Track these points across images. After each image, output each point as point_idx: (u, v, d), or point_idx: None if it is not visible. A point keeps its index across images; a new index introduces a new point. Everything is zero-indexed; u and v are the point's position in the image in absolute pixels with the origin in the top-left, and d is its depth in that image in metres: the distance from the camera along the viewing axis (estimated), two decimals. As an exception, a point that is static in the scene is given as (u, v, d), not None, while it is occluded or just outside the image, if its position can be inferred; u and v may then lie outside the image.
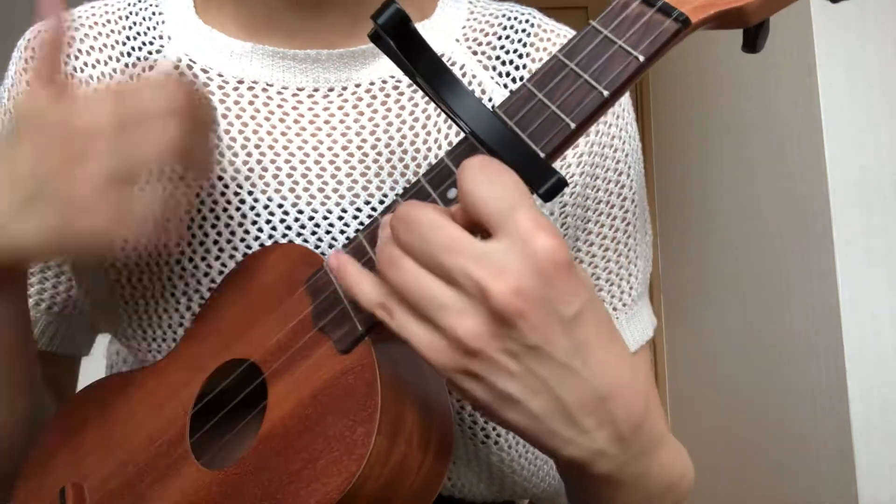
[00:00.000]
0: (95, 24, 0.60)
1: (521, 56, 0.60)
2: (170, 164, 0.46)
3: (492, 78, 0.59)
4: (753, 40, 0.41)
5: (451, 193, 0.41)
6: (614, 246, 0.62)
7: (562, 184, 0.38)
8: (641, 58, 0.38)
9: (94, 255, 0.57)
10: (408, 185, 0.56)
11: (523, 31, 0.61)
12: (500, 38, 0.61)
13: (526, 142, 0.40)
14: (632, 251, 0.63)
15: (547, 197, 0.38)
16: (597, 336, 0.37)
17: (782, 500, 1.44)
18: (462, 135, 0.57)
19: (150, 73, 0.47)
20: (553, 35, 0.61)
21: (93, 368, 0.67)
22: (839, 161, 1.27)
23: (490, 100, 0.59)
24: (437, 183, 0.42)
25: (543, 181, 0.38)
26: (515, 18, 0.62)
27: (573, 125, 0.39)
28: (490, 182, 0.37)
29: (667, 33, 0.38)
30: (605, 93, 0.39)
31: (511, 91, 0.59)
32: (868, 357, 1.22)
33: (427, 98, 0.58)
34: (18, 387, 0.56)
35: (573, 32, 0.63)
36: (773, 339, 1.48)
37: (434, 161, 0.56)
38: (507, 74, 0.59)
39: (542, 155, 0.39)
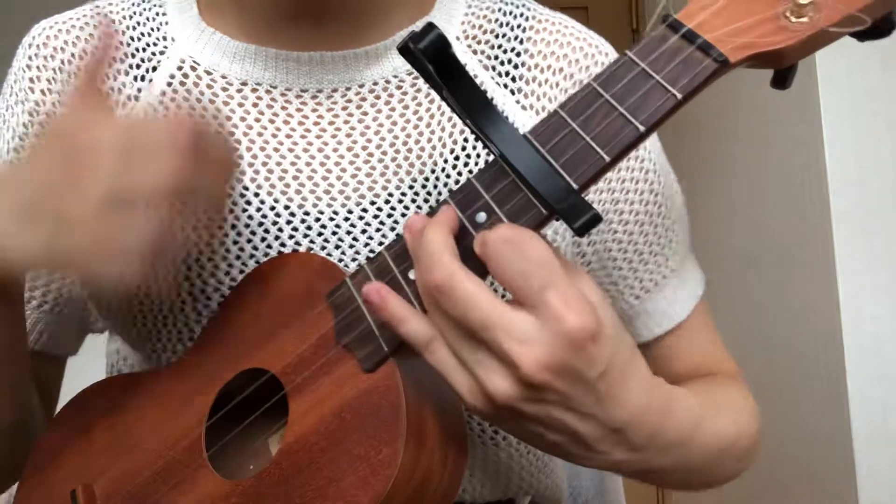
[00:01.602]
0: (100, 23, 0.60)
1: (518, 54, 0.60)
2: (171, 198, 0.44)
3: (492, 78, 0.59)
4: (784, 78, 0.40)
5: (480, 217, 0.41)
6: (649, 219, 0.62)
7: (596, 220, 0.38)
8: (679, 95, 0.38)
9: (78, 276, 0.56)
10: (413, 184, 0.56)
11: (519, 26, 0.61)
12: (497, 35, 0.61)
13: (560, 172, 0.39)
14: (667, 218, 0.64)
15: (581, 232, 0.38)
16: (617, 384, 0.39)
17: (782, 500, 1.45)
18: (467, 140, 0.57)
19: (174, 109, 0.47)
20: (549, 24, 0.61)
21: (92, 368, 0.67)
22: (839, 161, 1.27)
23: (492, 100, 0.58)
24: (466, 205, 0.41)
25: (578, 216, 0.38)
26: (511, 13, 0.62)
27: (608, 158, 0.38)
28: (517, 261, 0.37)
29: (706, 72, 0.38)
30: (642, 128, 0.38)
31: (514, 94, 0.59)
32: (868, 357, 1.22)
33: (430, 97, 0.57)
34: (10, 387, 0.56)
35: (568, 20, 0.62)
36: (773, 339, 1.48)
37: (439, 160, 0.56)
38: (507, 74, 0.59)
39: (575, 187, 0.39)
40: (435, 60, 0.40)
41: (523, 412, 0.38)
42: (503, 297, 0.39)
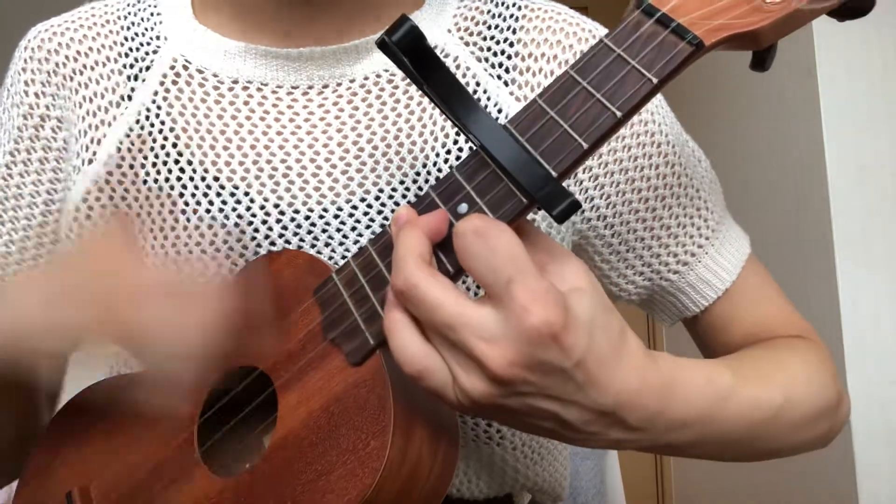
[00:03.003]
0: (95, 24, 0.61)
1: (511, 45, 0.60)
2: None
3: (485, 70, 0.59)
4: (762, 60, 0.40)
5: (462, 209, 0.41)
6: (669, 191, 0.61)
7: (576, 206, 0.38)
8: (655, 80, 0.38)
9: None
10: (405, 179, 0.56)
11: (511, 16, 0.61)
12: (489, 27, 0.60)
13: (539, 160, 0.39)
14: (689, 188, 0.62)
15: (560, 219, 0.38)
16: (598, 368, 0.38)
17: (782, 500, 1.44)
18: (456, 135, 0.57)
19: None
20: (541, 13, 0.61)
21: (91, 371, 0.67)
22: (839, 161, 1.27)
23: (486, 92, 0.58)
24: (447, 197, 0.41)
25: (557, 203, 0.38)
26: (503, 3, 0.61)
27: (586, 145, 0.38)
28: (485, 254, 0.37)
29: (680, 56, 0.38)
30: (619, 114, 0.38)
31: (507, 85, 0.59)
32: (868, 357, 1.22)
33: (425, 95, 0.57)
34: (21, 414, 0.57)
35: (561, 7, 0.62)
36: (773, 339, 1.47)
37: (431, 154, 0.56)
38: (500, 65, 0.59)
39: (554, 175, 0.39)
40: (410, 53, 0.40)
41: (504, 406, 0.38)
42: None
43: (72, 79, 0.59)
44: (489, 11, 0.61)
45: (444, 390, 0.39)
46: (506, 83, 0.59)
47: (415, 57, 0.41)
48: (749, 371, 0.50)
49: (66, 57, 0.59)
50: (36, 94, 0.59)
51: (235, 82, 0.57)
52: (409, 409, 0.42)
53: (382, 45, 0.41)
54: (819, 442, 0.55)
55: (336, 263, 0.54)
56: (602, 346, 0.38)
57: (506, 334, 0.36)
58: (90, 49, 0.60)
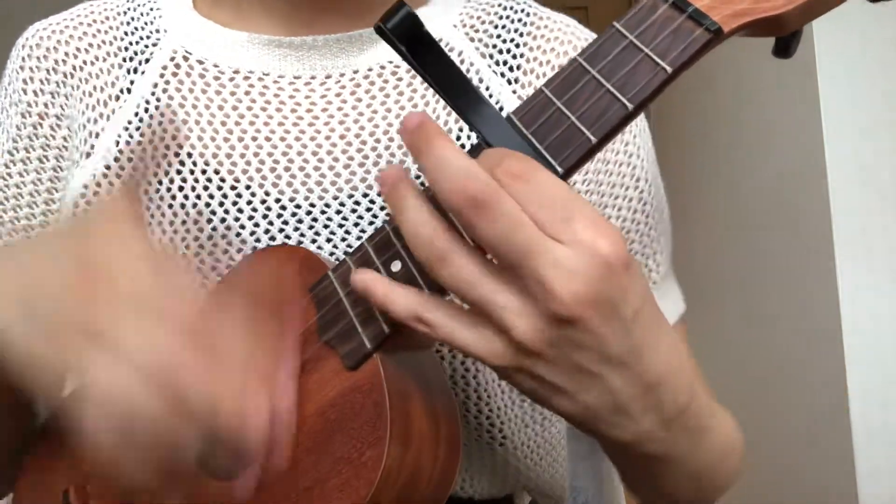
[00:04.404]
0: (94, 21, 0.60)
1: (517, 45, 0.60)
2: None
3: (489, 66, 0.59)
4: (787, 46, 0.38)
5: None
6: (634, 227, 0.61)
7: None
8: (669, 69, 0.36)
9: None
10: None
11: (519, 20, 0.61)
12: (496, 26, 0.60)
13: (545, 156, 0.37)
14: (652, 230, 0.62)
15: None
16: (651, 329, 0.37)
17: (782, 500, 1.44)
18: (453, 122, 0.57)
19: None
20: (550, 22, 0.61)
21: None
22: (839, 161, 1.27)
23: (487, 88, 0.58)
24: None
25: None
26: (511, 8, 0.61)
27: (594, 139, 0.36)
28: (538, 196, 0.35)
29: (697, 43, 0.35)
30: (630, 106, 0.36)
31: (510, 84, 0.59)
32: (868, 357, 1.22)
33: (427, 84, 0.57)
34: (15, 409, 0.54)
35: (568, 20, 0.62)
36: (773, 340, 1.48)
37: None
38: (505, 63, 0.59)
39: (560, 171, 0.37)
40: (408, 40, 0.38)
41: (553, 360, 0.36)
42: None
43: (72, 75, 0.59)
44: (496, 13, 0.61)
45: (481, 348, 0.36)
46: (509, 81, 0.59)
47: (412, 44, 0.39)
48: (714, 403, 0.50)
49: (66, 54, 0.59)
50: (34, 92, 0.59)
51: (236, 72, 0.57)
52: (407, 416, 0.40)
53: (379, 31, 0.40)
54: (731, 481, 0.55)
55: (338, 260, 0.54)
56: (652, 303, 0.37)
57: (577, 266, 0.34)
58: (90, 45, 0.59)
